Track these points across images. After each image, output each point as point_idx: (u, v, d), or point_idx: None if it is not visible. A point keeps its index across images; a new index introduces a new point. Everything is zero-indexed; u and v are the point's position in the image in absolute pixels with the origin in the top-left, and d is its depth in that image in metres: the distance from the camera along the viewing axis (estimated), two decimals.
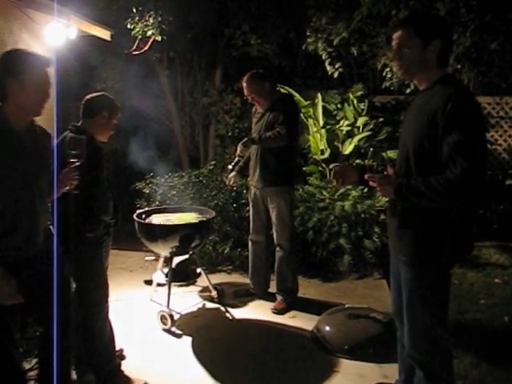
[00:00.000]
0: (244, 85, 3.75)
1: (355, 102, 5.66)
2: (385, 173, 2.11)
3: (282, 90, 5.26)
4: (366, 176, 2.08)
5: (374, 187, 2.09)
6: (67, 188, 2.26)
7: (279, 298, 3.87)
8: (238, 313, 3.81)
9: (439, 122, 1.90)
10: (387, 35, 4.91)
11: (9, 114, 2.05)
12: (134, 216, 3.66)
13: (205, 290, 4.14)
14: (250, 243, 4.06)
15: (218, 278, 4.45)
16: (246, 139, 3.64)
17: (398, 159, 2.18)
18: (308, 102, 5.54)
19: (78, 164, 2.23)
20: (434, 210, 1.99)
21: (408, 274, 2.12)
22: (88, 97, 2.77)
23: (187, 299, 4.00)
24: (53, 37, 4.05)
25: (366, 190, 5.03)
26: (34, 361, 2.67)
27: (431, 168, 1.95)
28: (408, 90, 5.14)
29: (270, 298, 3.97)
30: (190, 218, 3.82)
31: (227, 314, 3.80)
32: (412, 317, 2.13)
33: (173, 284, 3.75)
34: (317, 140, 5.44)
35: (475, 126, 1.91)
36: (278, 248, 3.86)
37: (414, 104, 2.18)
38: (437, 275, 2.07)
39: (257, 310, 3.84)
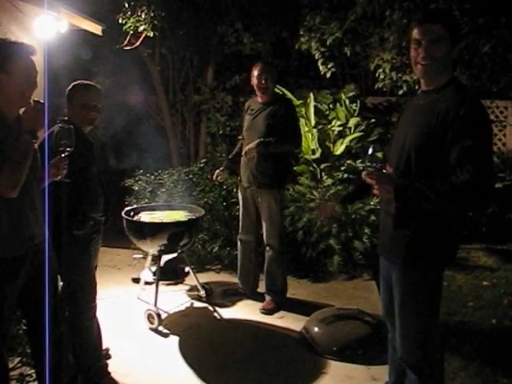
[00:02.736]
0: (258, 71, 3.66)
1: (347, 102, 5.66)
2: (383, 171, 2.06)
3: (275, 90, 5.25)
4: (363, 174, 2.01)
5: (371, 186, 2.01)
6: (58, 178, 2.24)
7: (268, 298, 3.85)
8: (226, 312, 3.78)
9: (450, 125, 1.87)
10: (380, 36, 4.91)
11: (0, 105, 2.00)
12: (123, 213, 3.61)
13: (193, 289, 4.10)
14: (239, 243, 4.03)
15: (207, 277, 4.41)
16: (260, 142, 3.55)
17: (393, 160, 2.13)
18: (300, 102, 5.53)
19: (67, 153, 2.22)
20: (429, 212, 1.96)
21: (401, 277, 2.09)
22: None
23: (175, 298, 3.96)
24: (43, 30, 3.98)
25: None
26: (17, 359, 2.62)
27: (434, 170, 1.93)
28: (400, 92, 5.14)
29: (258, 297, 3.94)
30: (179, 216, 3.79)
31: (215, 314, 3.77)
32: (405, 320, 2.11)
33: (161, 282, 3.72)
34: (308, 140, 5.43)
35: (487, 133, 1.90)
36: (267, 248, 3.84)
37: (412, 105, 2.14)
38: (430, 278, 2.06)
39: (245, 310, 3.82)
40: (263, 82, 3.65)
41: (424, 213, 1.97)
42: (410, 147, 2.00)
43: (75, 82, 2.74)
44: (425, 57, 1.95)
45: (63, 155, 2.21)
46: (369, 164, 1.99)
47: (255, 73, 3.70)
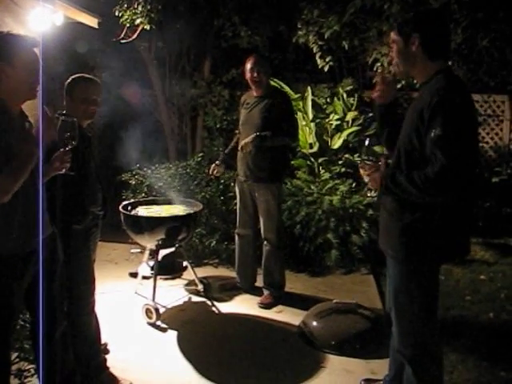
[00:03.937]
0: (251, 64, 3.66)
1: (345, 96, 5.64)
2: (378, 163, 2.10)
3: (272, 83, 5.22)
4: (359, 164, 2.10)
5: (365, 176, 2.10)
6: (62, 171, 2.21)
7: (266, 292, 3.85)
8: (225, 307, 3.78)
9: (425, 116, 1.88)
10: (379, 29, 4.89)
11: (4, 99, 1.97)
12: (120, 207, 3.59)
13: (191, 283, 4.10)
14: (236, 237, 4.02)
15: (205, 272, 4.41)
16: (256, 136, 3.54)
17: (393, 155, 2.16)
18: (298, 96, 5.51)
19: (71, 146, 2.19)
20: (422, 204, 1.97)
21: (394, 269, 2.11)
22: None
23: (173, 293, 3.96)
24: (38, 23, 3.94)
25: (354, 184, 5.03)
26: (15, 354, 2.60)
27: (418, 164, 1.93)
28: (398, 86, 5.12)
29: (256, 292, 3.94)
30: (176, 210, 3.78)
31: (213, 308, 3.77)
32: (399, 312, 2.13)
33: (158, 277, 3.70)
34: (306, 134, 5.42)
35: (457, 121, 1.85)
36: (265, 242, 3.83)
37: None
38: (422, 271, 2.06)
39: (243, 304, 3.81)
40: (255, 74, 3.65)
41: (416, 206, 1.97)
42: (400, 143, 2.05)
43: (75, 76, 2.69)
44: (392, 59, 2.16)
45: (67, 148, 2.18)
46: (365, 157, 2.06)
47: (248, 66, 3.69)
